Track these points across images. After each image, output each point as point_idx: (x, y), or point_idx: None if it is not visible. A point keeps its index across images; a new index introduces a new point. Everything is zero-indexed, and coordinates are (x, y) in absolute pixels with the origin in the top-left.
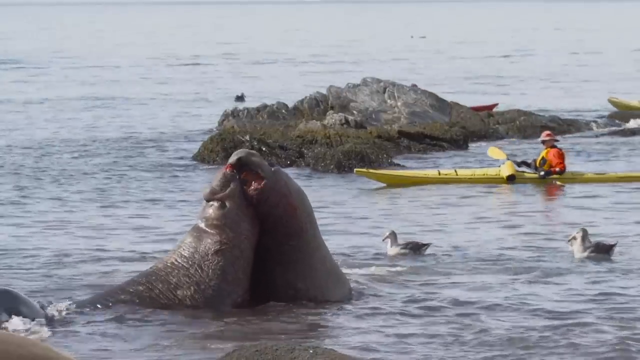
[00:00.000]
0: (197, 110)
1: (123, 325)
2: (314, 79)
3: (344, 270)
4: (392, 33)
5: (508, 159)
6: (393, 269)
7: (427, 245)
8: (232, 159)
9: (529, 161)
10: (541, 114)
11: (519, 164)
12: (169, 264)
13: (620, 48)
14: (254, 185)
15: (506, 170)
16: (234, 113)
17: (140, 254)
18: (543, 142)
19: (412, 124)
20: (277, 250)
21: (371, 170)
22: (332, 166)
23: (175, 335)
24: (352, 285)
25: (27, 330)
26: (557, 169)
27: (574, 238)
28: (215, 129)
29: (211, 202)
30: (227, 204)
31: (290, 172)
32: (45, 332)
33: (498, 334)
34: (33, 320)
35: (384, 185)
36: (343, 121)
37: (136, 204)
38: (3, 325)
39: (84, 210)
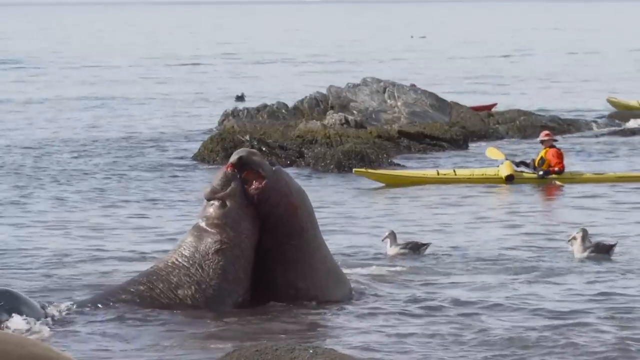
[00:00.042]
0: (197, 110)
1: (123, 325)
2: (314, 79)
3: (344, 270)
4: (392, 33)
5: (506, 159)
6: (393, 269)
7: (426, 245)
8: (233, 158)
9: (528, 161)
10: (541, 114)
11: (518, 164)
12: (169, 264)
13: (620, 48)
14: (255, 184)
15: (505, 170)
16: (234, 113)
17: (140, 254)
18: (542, 142)
19: (412, 124)
20: (277, 249)
21: (370, 170)
22: (332, 166)
23: (176, 335)
24: (352, 285)
25: (27, 330)
26: (556, 169)
27: (574, 238)
28: (215, 129)
29: (212, 201)
30: (228, 203)
31: (290, 172)
32: (45, 332)
33: (498, 333)
34: (33, 320)
35: (383, 185)
36: (343, 121)
37: (136, 204)
38: (4, 325)
39: (83, 210)
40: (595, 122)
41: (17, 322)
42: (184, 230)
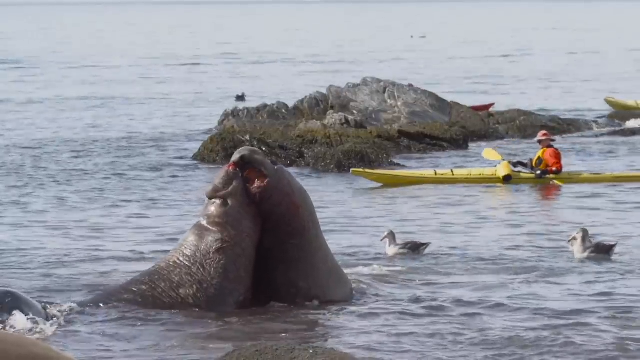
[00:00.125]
0: (197, 110)
1: (123, 325)
2: (314, 79)
3: (344, 270)
4: (392, 33)
5: (503, 160)
6: (393, 269)
7: (425, 245)
8: (235, 157)
9: (525, 161)
10: (541, 114)
11: (515, 164)
12: (171, 263)
13: (620, 48)
14: (257, 183)
15: (502, 170)
16: (234, 113)
17: (140, 254)
18: (539, 141)
19: (412, 123)
20: (279, 248)
21: (368, 170)
22: (332, 166)
23: (176, 335)
24: (353, 285)
25: (29, 330)
26: (554, 169)
27: (574, 238)
28: (215, 129)
29: (213, 200)
30: (230, 201)
31: (291, 171)
32: (46, 331)
33: (498, 333)
34: (35, 320)
35: (380, 185)
36: (343, 121)
37: (136, 204)
38: (7, 325)
39: (83, 210)
40: (595, 122)
41: (19, 322)
42: (184, 230)
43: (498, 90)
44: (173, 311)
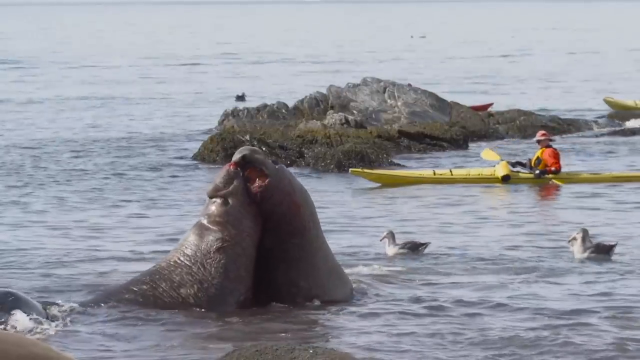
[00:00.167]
0: (197, 110)
1: (123, 325)
2: (314, 79)
3: (344, 270)
4: (392, 33)
5: (502, 160)
6: (393, 269)
7: (425, 244)
8: (236, 156)
9: (524, 161)
10: (541, 114)
11: (514, 165)
12: (172, 263)
13: (620, 48)
14: (258, 182)
15: (501, 170)
16: (234, 113)
17: (140, 254)
18: (538, 141)
19: (412, 123)
20: (280, 248)
21: (366, 170)
22: (332, 166)
23: (176, 335)
24: (353, 285)
25: (29, 331)
26: (553, 169)
27: (574, 239)
28: (215, 129)
29: (214, 199)
30: (230, 201)
31: (291, 171)
32: (46, 332)
33: (498, 333)
34: (36, 320)
35: (379, 185)
36: (343, 121)
37: (136, 203)
38: (8, 325)
39: (83, 210)
40: (595, 122)
41: (20, 322)
42: (184, 230)
43: (498, 90)
44: (173, 311)
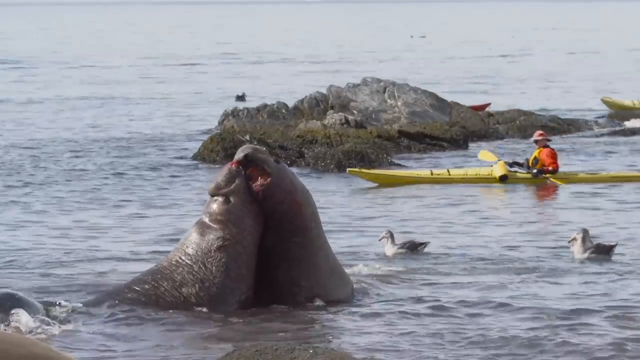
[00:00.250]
0: (197, 110)
1: (123, 325)
2: (314, 79)
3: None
4: (392, 33)
5: (499, 160)
6: (393, 269)
7: (424, 244)
8: (239, 155)
9: (521, 161)
10: (541, 114)
11: (511, 164)
12: (173, 262)
13: (620, 48)
14: (260, 181)
15: (498, 170)
16: (234, 113)
17: (139, 254)
18: (536, 141)
19: (412, 123)
20: (281, 247)
21: (364, 170)
22: (332, 166)
23: (176, 335)
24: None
25: (31, 331)
26: (550, 169)
27: (575, 239)
28: (215, 129)
29: (216, 197)
30: (232, 199)
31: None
32: (47, 332)
33: (498, 333)
34: (37, 320)
35: (376, 185)
36: (343, 121)
37: (136, 203)
38: (8, 326)
39: (83, 210)
40: (595, 122)
41: (21, 322)
42: (184, 230)
43: (498, 90)
44: (174, 311)
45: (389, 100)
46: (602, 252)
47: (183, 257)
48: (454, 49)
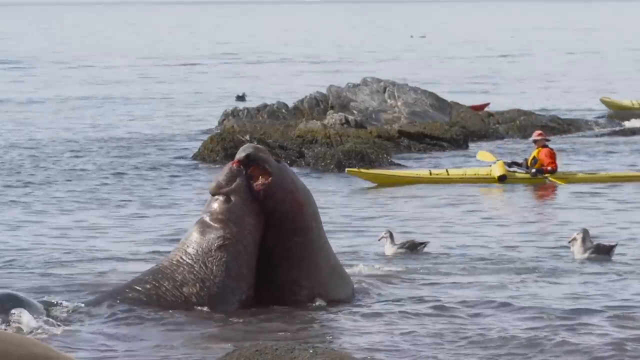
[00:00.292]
0: (197, 110)
1: (124, 325)
2: (314, 79)
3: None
4: (392, 33)
5: (498, 160)
6: (393, 269)
7: (424, 244)
8: (240, 154)
9: (520, 161)
10: (541, 114)
11: (510, 164)
12: (174, 261)
13: (620, 48)
14: (261, 180)
15: (497, 170)
16: (234, 113)
17: (139, 254)
18: (534, 141)
19: (412, 123)
20: (282, 246)
21: (362, 170)
22: (332, 166)
23: (177, 335)
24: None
25: (31, 331)
26: (549, 169)
27: (575, 239)
28: (215, 129)
29: (216, 196)
30: (233, 198)
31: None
32: (48, 332)
33: (498, 333)
34: (38, 320)
35: (376, 185)
36: (343, 121)
37: (136, 203)
38: (9, 326)
39: (83, 210)
40: (595, 122)
41: (22, 322)
42: (184, 230)
43: (498, 90)
44: (174, 311)
45: (389, 100)
46: (602, 252)
47: (184, 257)
48: (454, 49)
